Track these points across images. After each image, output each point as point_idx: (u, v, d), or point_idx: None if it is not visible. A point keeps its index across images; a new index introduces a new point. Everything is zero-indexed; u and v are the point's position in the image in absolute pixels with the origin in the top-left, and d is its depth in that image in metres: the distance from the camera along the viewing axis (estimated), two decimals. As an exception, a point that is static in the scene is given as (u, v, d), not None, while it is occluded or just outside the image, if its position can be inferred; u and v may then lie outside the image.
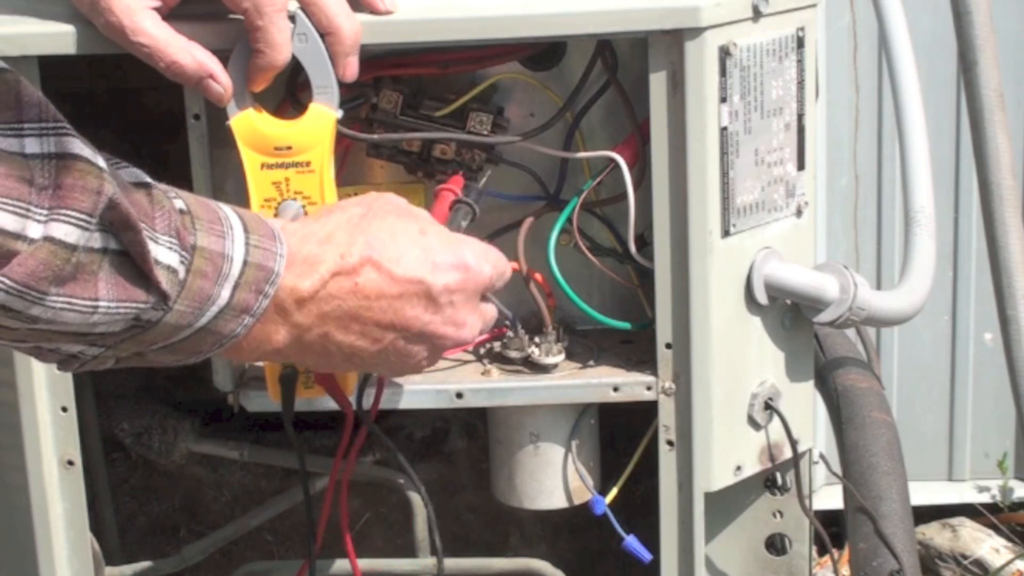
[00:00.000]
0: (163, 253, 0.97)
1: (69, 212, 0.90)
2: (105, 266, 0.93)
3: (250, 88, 1.25)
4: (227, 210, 1.05)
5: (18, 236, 0.88)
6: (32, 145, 0.89)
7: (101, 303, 0.94)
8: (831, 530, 2.25)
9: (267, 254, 1.05)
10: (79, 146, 0.92)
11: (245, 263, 1.03)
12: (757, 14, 1.29)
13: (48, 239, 0.89)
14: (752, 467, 1.41)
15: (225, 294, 1.02)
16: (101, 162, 0.93)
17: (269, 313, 1.06)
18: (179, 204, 1.00)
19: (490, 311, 1.24)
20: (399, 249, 1.13)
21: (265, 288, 1.04)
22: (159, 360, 1.05)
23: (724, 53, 1.28)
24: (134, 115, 1.51)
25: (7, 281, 0.89)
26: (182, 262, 0.98)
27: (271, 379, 1.35)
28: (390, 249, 1.12)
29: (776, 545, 1.50)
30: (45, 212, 0.89)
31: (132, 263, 0.95)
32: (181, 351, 1.04)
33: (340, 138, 1.28)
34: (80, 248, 0.91)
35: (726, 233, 1.33)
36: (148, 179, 0.98)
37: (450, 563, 1.53)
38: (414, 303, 1.13)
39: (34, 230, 0.89)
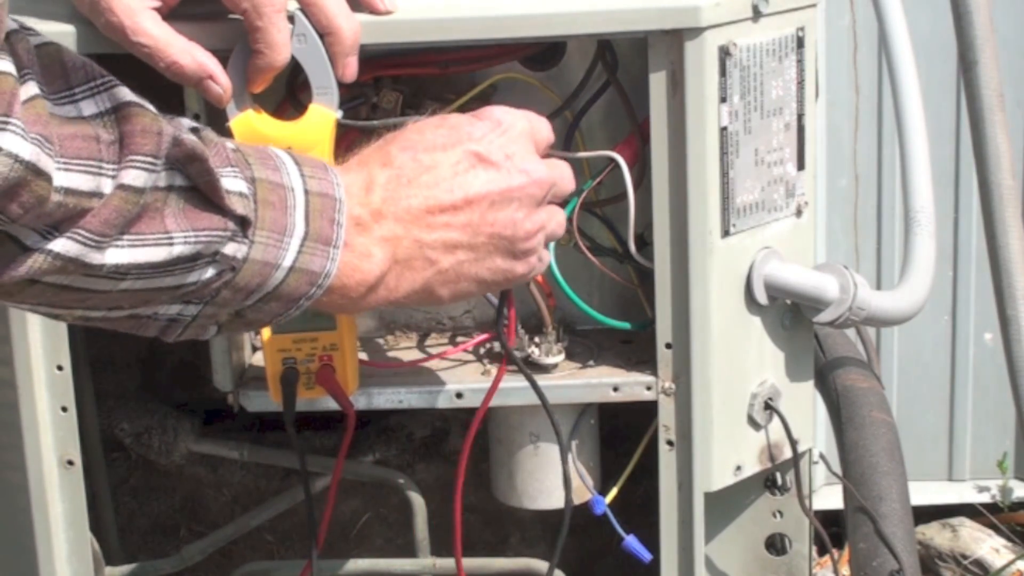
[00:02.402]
0: (230, 182, 0.97)
1: (136, 157, 0.91)
2: (171, 202, 0.94)
3: (250, 89, 1.25)
4: (274, 149, 1.05)
5: (92, 194, 0.89)
6: (88, 107, 0.91)
7: (175, 235, 0.94)
8: (831, 530, 2.25)
9: (325, 183, 1.04)
10: (130, 94, 0.93)
11: (307, 192, 1.02)
12: (757, 14, 1.29)
13: (120, 187, 0.90)
14: (752, 467, 1.41)
15: (300, 223, 1.01)
16: (151, 107, 0.94)
17: (352, 238, 1.05)
18: (229, 143, 1.01)
19: (560, 164, 1.20)
20: (429, 137, 1.12)
21: (336, 217, 1.04)
22: (260, 319, 1.04)
23: (724, 53, 1.28)
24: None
25: (83, 233, 0.89)
26: (249, 190, 0.99)
27: (272, 379, 1.36)
28: (421, 141, 1.12)
29: (776, 545, 1.50)
30: (115, 166, 0.90)
31: (200, 195, 0.95)
32: (280, 300, 1.02)
33: (340, 138, 1.28)
34: (147, 190, 0.92)
35: (726, 233, 1.33)
36: (196, 124, 0.99)
37: (450, 563, 1.53)
38: (473, 171, 1.11)
39: (107, 185, 0.90)
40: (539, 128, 1.18)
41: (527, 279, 1.19)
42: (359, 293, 1.07)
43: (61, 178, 0.87)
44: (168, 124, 0.94)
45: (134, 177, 0.91)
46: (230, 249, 0.97)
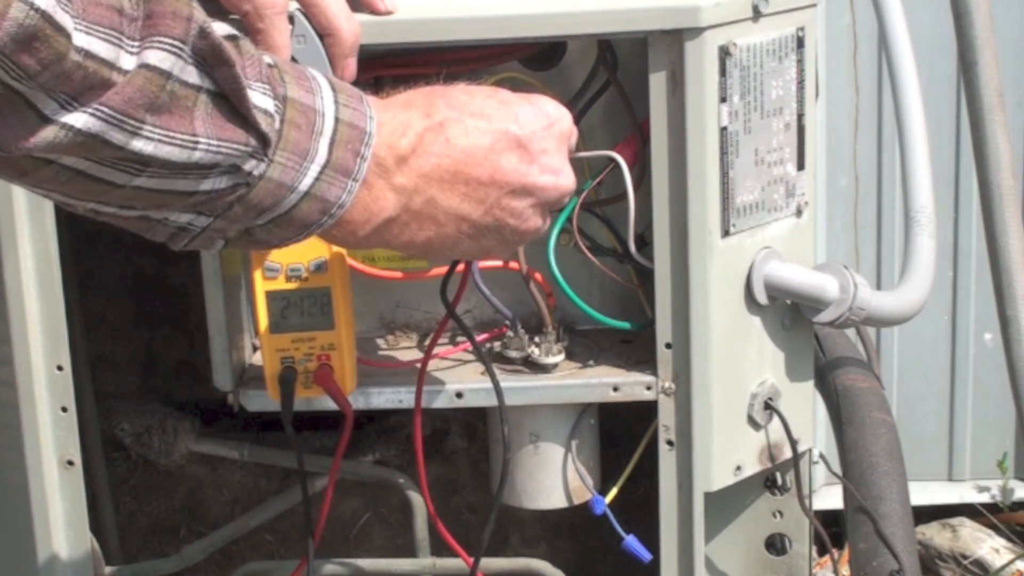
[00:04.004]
0: (257, 97, 0.96)
1: (162, 39, 0.89)
2: (201, 103, 0.92)
3: (250, 88, 1.24)
4: (313, 71, 1.03)
5: (112, 65, 0.87)
6: None
7: (200, 139, 0.92)
8: (831, 530, 2.25)
9: (357, 114, 1.03)
10: None
11: (337, 120, 1.01)
12: (757, 14, 1.29)
13: (143, 66, 0.88)
14: (752, 467, 1.41)
15: (323, 151, 1.00)
16: None
17: (371, 177, 1.04)
18: (267, 58, 0.99)
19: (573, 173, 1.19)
20: (478, 104, 1.11)
21: (361, 150, 1.02)
22: (268, 240, 1.03)
23: (724, 53, 1.28)
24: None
25: (104, 109, 0.87)
26: (276, 110, 0.97)
27: (270, 378, 1.36)
28: (470, 105, 1.10)
29: (776, 545, 1.50)
30: (137, 44, 0.88)
31: (229, 104, 0.94)
32: (291, 224, 1.02)
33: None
34: (174, 77, 0.90)
35: (726, 233, 1.33)
36: (236, 31, 0.97)
37: (450, 563, 1.53)
38: (508, 154, 1.10)
39: (127, 61, 0.88)
40: (574, 132, 1.18)
41: (496, 259, 1.18)
42: (364, 232, 1.06)
43: (81, 39, 0.85)
44: (200, 13, 0.92)
45: (160, 59, 0.89)
46: (248, 165, 0.96)
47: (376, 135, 1.04)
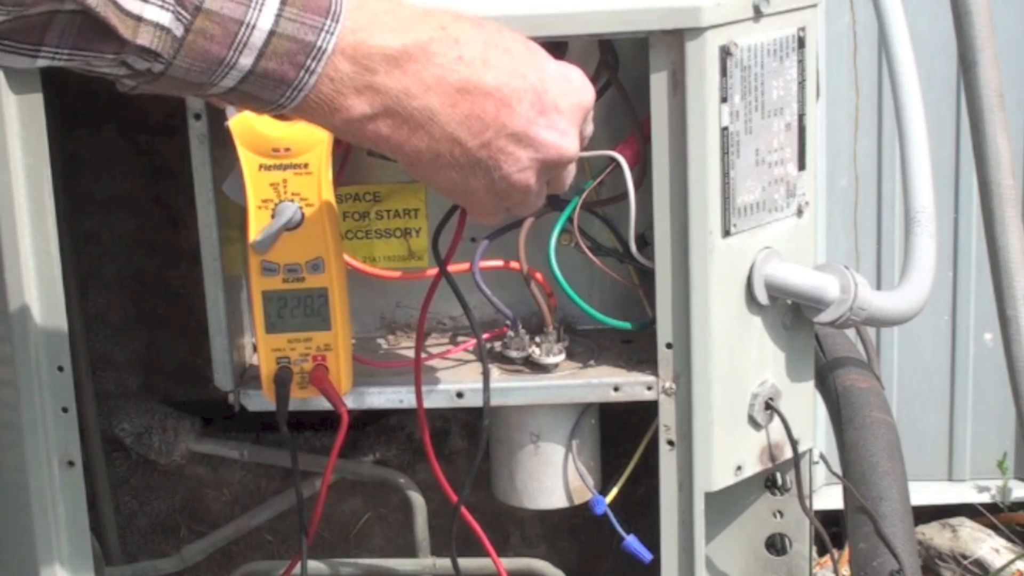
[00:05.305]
0: (151, 11, 0.96)
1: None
2: (59, 21, 0.94)
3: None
4: None
5: None
6: None
7: (44, 49, 0.94)
8: (831, 530, 2.25)
9: (304, 28, 1.01)
10: None
11: (272, 33, 1.00)
12: (758, 14, 1.29)
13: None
14: (752, 467, 1.41)
15: (245, 61, 1.00)
16: None
17: (342, 78, 1.03)
18: None
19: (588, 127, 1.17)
20: (506, 40, 1.09)
21: (306, 62, 1.01)
22: (221, 101, 1.05)
23: (725, 53, 1.28)
24: (134, 115, 1.51)
25: None
26: (179, 20, 0.97)
27: (266, 378, 1.35)
28: (498, 39, 1.08)
29: (776, 545, 1.50)
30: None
31: (95, 19, 0.95)
32: (231, 101, 1.03)
33: (340, 140, 1.28)
34: (7, 21, 0.92)
35: (727, 233, 1.33)
36: None
37: (450, 563, 1.53)
38: (521, 96, 1.08)
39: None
40: (591, 117, 1.16)
41: (477, 214, 1.16)
42: (331, 122, 1.05)
43: None
44: None
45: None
46: (139, 64, 0.97)
47: (336, 45, 1.01)
